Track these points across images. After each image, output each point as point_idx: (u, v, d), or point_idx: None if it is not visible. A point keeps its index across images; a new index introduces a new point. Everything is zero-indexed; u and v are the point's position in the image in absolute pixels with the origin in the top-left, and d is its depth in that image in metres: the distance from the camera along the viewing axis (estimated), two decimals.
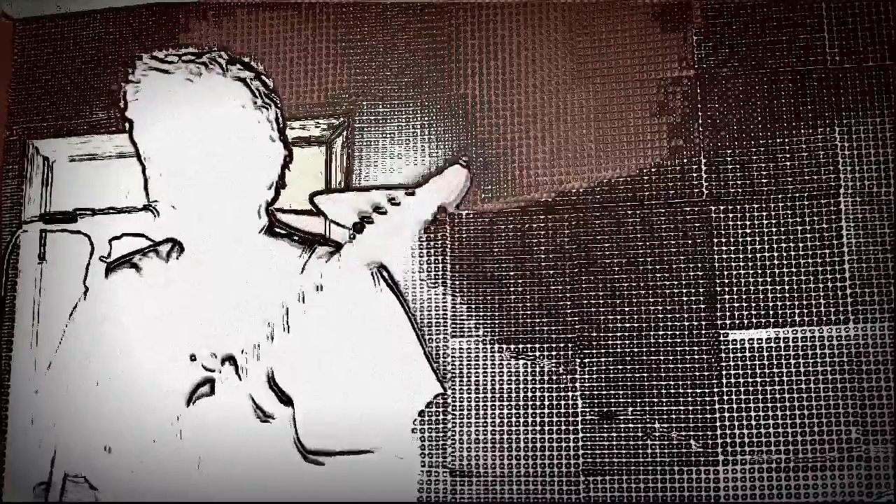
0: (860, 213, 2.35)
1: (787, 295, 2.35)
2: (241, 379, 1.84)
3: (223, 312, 2.01)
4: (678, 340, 2.38)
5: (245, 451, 1.84)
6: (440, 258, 2.54)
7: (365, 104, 2.68)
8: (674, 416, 2.34)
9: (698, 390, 2.35)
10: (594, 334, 2.43)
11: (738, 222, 2.41)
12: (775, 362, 2.33)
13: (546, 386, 2.42)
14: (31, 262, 2.80)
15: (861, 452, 2.26)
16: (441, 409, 2.45)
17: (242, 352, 1.87)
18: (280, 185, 2.06)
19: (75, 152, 2.87)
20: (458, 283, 2.52)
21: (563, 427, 2.39)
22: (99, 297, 2.03)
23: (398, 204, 1.89)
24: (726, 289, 2.38)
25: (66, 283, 2.76)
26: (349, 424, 1.94)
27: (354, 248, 1.93)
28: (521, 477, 2.39)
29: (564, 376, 2.42)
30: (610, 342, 2.41)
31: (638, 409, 2.37)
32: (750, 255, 2.38)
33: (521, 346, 2.46)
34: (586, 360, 2.42)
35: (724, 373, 2.34)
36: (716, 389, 2.34)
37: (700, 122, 2.47)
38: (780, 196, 2.39)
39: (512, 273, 2.49)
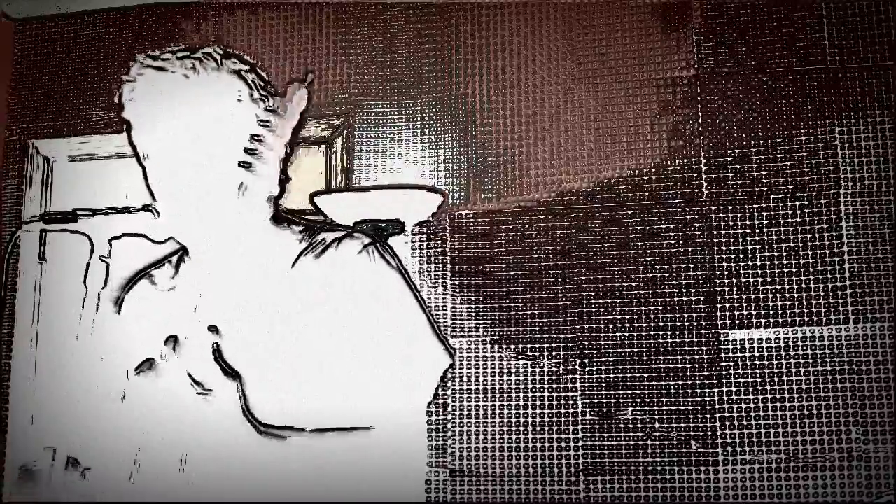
0: (860, 213, 2.35)
1: (787, 295, 2.35)
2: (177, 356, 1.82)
3: (222, 312, 2.01)
4: (678, 340, 2.38)
5: (186, 428, 1.83)
6: (440, 258, 2.54)
7: (365, 104, 2.68)
8: (674, 416, 2.34)
9: (698, 390, 2.35)
10: (594, 334, 2.43)
11: (738, 222, 2.41)
12: (775, 362, 2.33)
13: (546, 386, 2.42)
14: (31, 262, 2.80)
15: (861, 452, 2.26)
16: (441, 409, 2.45)
17: (215, 331, 1.84)
18: (284, 178, 2.05)
19: (75, 152, 2.87)
20: (458, 283, 2.52)
21: (563, 427, 2.39)
22: (115, 314, 2.05)
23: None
24: (726, 289, 2.38)
25: (66, 283, 2.76)
26: (344, 404, 1.91)
27: (348, 237, 1.92)
28: (521, 477, 2.39)
29: (564, 376, 2.42)
30: (610, 342, 2.41)
31: (638, 409, 2.37)
32: (750, 255, 2.39)
33: (521, 346, 2.46)
34: (586, 360, 2.42)
35: (724, 373, 2.34)
36: (716, 389, 2.34)
37: (700, 122, 2.47)
38: (780, 196, 2.40)
39: (512, 273, 2.49)
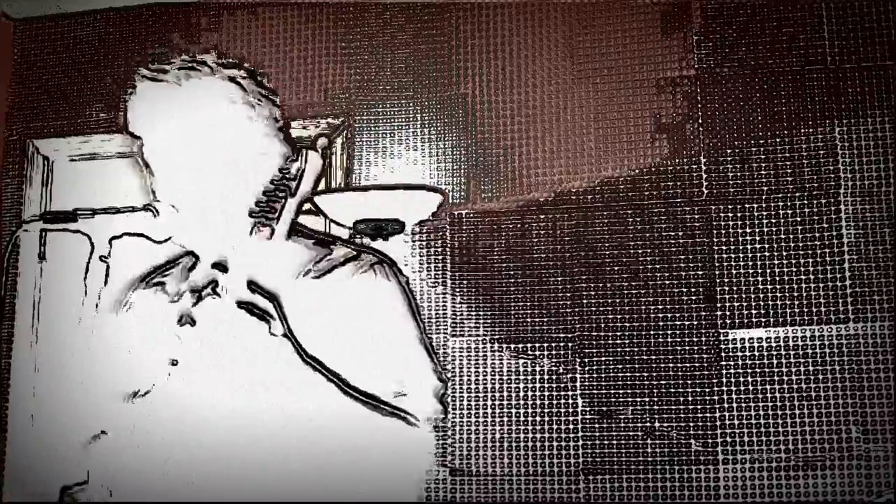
0: (860, 213, 2.35)
1: (787, 295, 2.35)
2: (220, 295, 1.92)
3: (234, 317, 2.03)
4: (678, 340, 2.38)
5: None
6: (440, 258, 2.54)
7: (365, 104, 2.68)
8: (674, 416, 2.34)
9: (698, 390, 2.35)
10: (594, 334, 2.43)
11: (738, 222, 2.41)
12: (775, 362, 2.33)
13: (546, 386, 2.42)
14: (31, 261, 2.80)
15: (861, 452, 2.26)
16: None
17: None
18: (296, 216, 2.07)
19: (75, 152, 2.87)
20: (458, 283, 2.52)
21: (563, 427, 2.39)
22: (127, 316, 2.16)
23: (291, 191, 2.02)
24: (726, 289, 2.38)
25: (66, 282, 2.76)
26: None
27: (357, 257, 1.97)
28: (521, 477, 2.39)
29: (564, 376, 2.42)
30: (610, 342, 2.41)
31: (638, 409, 2.37)
32: (750, 255, 2.39)
33: (521, 346, 2.46)
34: (586, 360, 2.42)
35: (724, 373, 2.34)
36: (716, 389, 2.34)
37: (700, 122, 2.47)
38: (780, 196, 2.40)
39: (512, 273, 2.49)
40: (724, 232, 2.41)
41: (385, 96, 2.67)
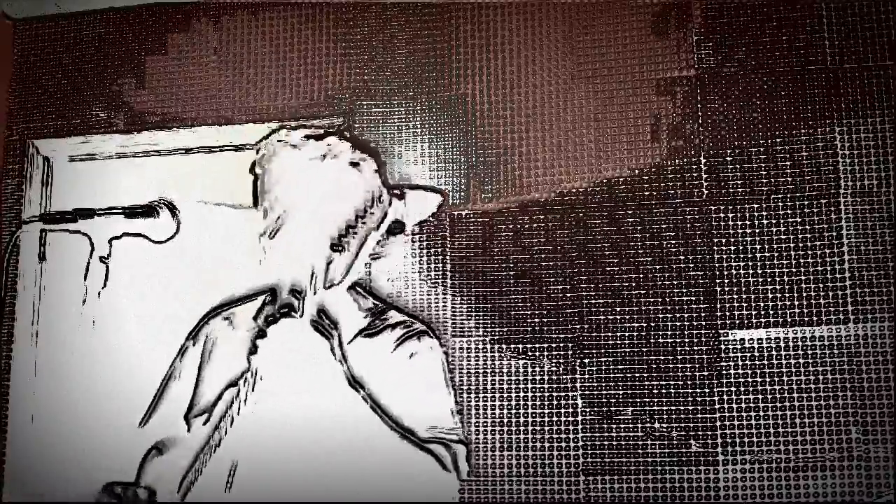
0: (860, 213, 2.35)
1: (787, 295, 2.35)
2: (300, 313, 2.33)
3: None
4: (678, 340, 2.38)
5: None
6: (440, 258, 2.54)
7: (365, 104, 2.68)
8: (674, 416, 2.35)
9: (698, 390, 2.35)
10: (594, 334, 2.43)
11: (738, 222, 2.41)
12: (775, 362, 2.33)
13: (546, 386, 2.42)
14: (31, 262, 2.80)
15: (861, 452, 2.26)
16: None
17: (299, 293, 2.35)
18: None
19: (75, 152, 2.87)
20: (458, 283, 2.52)
21: (563, 427, 2.39)
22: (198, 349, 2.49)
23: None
24: (726, 289, 2.38)
25: (66, 283, 2.76)
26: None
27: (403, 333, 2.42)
28: (521, 477, 2.39)
29: (564, 376, 2.42)
30: (610, 342, 2.41)
31: (638, 409, 2.37)
32: (750, 255, 2.39)
33: (521, 346, 2.46)
34: (586, 360, 2.42)
35: (724, 373, 2.35)
36: (716, 389, 2.34)
37: (700, 122, 2.47)
38: (780, 196, 2.40)
39: (512, 273, 2.49)
40: (724, 232, 2.41)
41: (385, 96, 2.67)
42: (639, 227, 2.45)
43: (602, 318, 2.43)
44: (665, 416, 2.35)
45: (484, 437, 2.43)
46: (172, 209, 2.30)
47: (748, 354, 2.34)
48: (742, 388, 2.33)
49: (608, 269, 2.45)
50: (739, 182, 2.42)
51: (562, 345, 2.44)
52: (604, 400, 2.39)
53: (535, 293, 2.47)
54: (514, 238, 2.51)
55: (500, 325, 2.47)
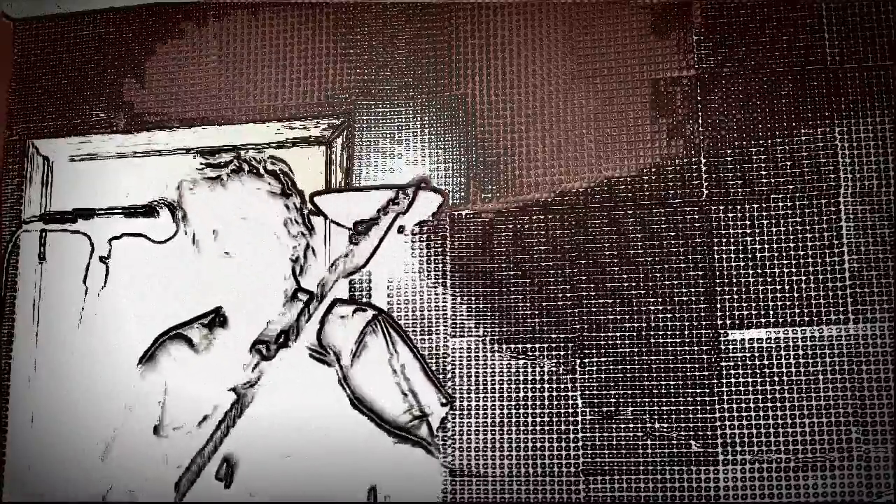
0: (860, 213, 2.35)
1: (787, 295, 2.35)
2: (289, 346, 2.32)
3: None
4: (678, 340, 2.38)
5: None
6: (440, 258, 2.54)
7: (365, 104, 2.68)
8: (674, 416, 2.34)
9: (698, 390, 2.35)
10: (594, 334, 2.43)
11: (738, 222, 2.41)
12: (775, 362, 2.33)
13: (546, 386, 2.42)
14: (31, 262, 2.80)
15: (861, 452, 2.26)
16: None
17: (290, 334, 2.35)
18: (302, 265, 2.46)
19: (75, 152, 2.87)
20: (458, 283, 2.52)
21: (563, 427, 2.39)
22: (154, 369, 2.45)
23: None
24: (726, 289, 2.38)
25: (66, 283, 2.76)
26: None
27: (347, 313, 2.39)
28: (521, 477, 2.39)
29: (564, 376, 2.42)
30: (610, 342, 2.41)
31: (638, 409, 2.37)
32: (750, 255, 2.39)
33: (521, 346, 2.46)
34: (586, 360, 2.42)
35: (724, 373, 2.35)
36: (716, 389, 2.34)
37: (700, 122, 2.47)
38: (780, 196, 2.40)
39: (512, 273, 2.49)
40: (724, 232, 2.41)
41: (385, 96, 2.67)
42: (639, 227, 2.45)
43: (602, 318, 2.43)
44: (665, 416, 2.35)
45: (484, 437, 2.43)
46: (172, 209, 2.30)
47: (748, 354, 2.34)
48: (742, 388, 2.33)
49: (608, 269, 2.45)
50: (739, 182, 2.42)
51: (562, 345, 2.44)
52: (604, 400, 2.39)
53: (535, 293, 2.47)
54: (514, 238, 2.51)
55: (500, 325, 2.47)
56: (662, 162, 2.47)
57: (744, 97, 2.45)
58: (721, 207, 2.42)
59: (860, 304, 2.31)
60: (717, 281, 2.39)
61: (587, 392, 2.40)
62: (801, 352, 2.32)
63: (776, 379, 2.32)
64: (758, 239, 2.39)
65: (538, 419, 2.41)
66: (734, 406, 2.32)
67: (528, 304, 2.47)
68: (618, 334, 2.41)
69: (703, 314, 2.38)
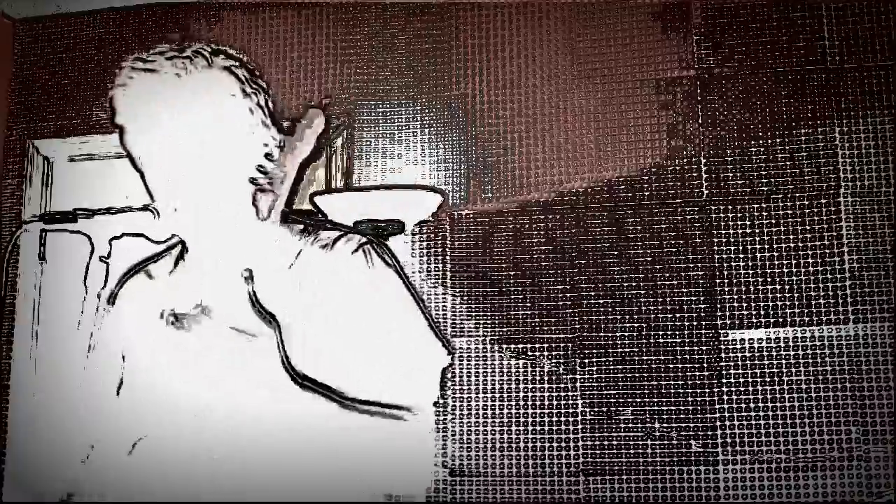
0: (860, 213, 2.35)
1: (787, 295, 2.35)
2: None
3: (227, 307, 1.99)
4: (678, 340, 2.38)
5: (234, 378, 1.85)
6: (440, 258, 2.54)
7: (365, 104, 2.68)
8: (674, 416, 2.34)
9: (698, 390, 2.35)
10: (594, 334, 2.43)
11: (738, 222, 2.41)
12: (775, 362, 2.33)
13: (546, 386, 2.42)
14: (31, 262, 2.80)
15: (861, 452, 2.26)
16: (441, 409, 2.45)
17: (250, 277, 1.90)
18: (293, 193, 2.06)
19: (75, 152, 2.87)
20: (458, 283, 2.52)
21: (563, 427, 2.39)
22: (116, 307, 2.11)
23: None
24: (726, 289, 2.38)
25: (66, 283, 2.76)
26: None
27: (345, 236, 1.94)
28: (521, 477, 2.39)
29: (564, 376, 2.42)
30: (610, 342, 2.41)
31: (638, 409, 2.37)
32: (750, 255, 2.39)
33: (521, 346, 2.46)
34: (586, 360, 2.42)
35: (724, 373, 2.34)
36: (716, 389, 2.34)
37: (700, 122, 2.47)
38: (780, 196, 2.40)
39: (512, 273, 2.49)
40: (724, 232, 2.41)
41: (385, 96, 2.67)
42: (639, 227, 2.45)
43: (602, 318, 2.43)
44: (665, 416, 2.35)
45: (484, 436, 2.42)
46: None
47: (748, 354, 2.34)
48: (742, 388, 2.33)
49: (608, 269, 2.45)
50: (739, 182, 2.42)
51: (562, 345, 2.43)
52: (604, 400, 2.39)
53: (535, 293, 2.47)
54: (514, 238, 2.51)
55: (499, 325, 2.47)
56: (662, 162, 2.47)
57: (744, 97, 2.45)
58: (721, 207, 2.42)
59: (860, 304, 2.31)
60: (717, 281, 2.39)
61: (587, 392, 2.40)
62: (801, 352, 2.32)
63: (776, 379, 2.32)
64: (758, 239, 2.39)
65: (538, 419, 2.41)
66: (734, 406, 2.32)
67: (529, 304, 2.47)
68: (618, 334, 2.41)
69: (703, 314, 2.38)
